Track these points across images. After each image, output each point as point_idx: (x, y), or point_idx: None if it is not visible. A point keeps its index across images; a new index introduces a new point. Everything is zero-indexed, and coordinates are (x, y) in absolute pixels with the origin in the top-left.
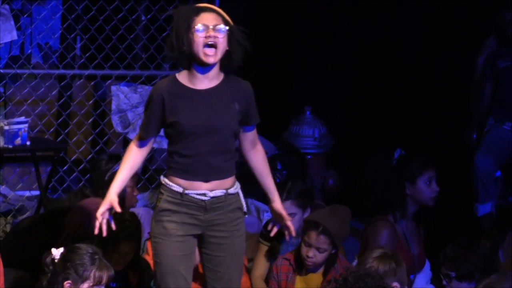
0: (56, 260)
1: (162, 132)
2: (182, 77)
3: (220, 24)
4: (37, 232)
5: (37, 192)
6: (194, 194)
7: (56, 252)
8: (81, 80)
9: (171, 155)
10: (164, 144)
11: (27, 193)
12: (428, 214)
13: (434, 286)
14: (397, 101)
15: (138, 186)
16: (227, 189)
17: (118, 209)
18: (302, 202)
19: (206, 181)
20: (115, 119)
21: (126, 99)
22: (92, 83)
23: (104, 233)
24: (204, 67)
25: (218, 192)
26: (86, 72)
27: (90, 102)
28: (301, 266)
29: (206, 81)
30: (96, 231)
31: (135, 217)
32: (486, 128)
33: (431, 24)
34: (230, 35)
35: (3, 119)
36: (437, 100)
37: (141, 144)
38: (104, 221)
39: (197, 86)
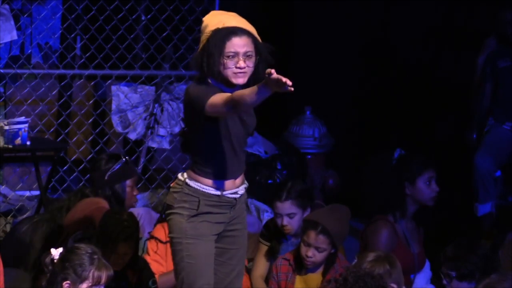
0: (55, 260)
1: (162, 132)
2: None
3: (250, 51)
4: (37, 232)
5: (37, 192)
6: (229, 194)
7: (56, 252)
8: (81, 80)
9: (204, 157)
10: (165, 144)
11: (27, 193)
12: (428, 214)
13: (434, 286)
14: (397, 101)
15: (138, 186)
16: (245, 183)
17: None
18: (302, 202)
19: (235, 178)
20: (115, 119)
21: (126, 99)
22: (92, 83)
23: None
24: (232, 88)
25: (243, 188)
26: (86, 72)
27: (90, 102)
28: (300, 266)
29: None
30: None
31: (133, 217)
32: (486, 128)
33: (431, 24)
34: (259, 58)
35: (3, 119)
36: (437, 100)
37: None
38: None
39: None
